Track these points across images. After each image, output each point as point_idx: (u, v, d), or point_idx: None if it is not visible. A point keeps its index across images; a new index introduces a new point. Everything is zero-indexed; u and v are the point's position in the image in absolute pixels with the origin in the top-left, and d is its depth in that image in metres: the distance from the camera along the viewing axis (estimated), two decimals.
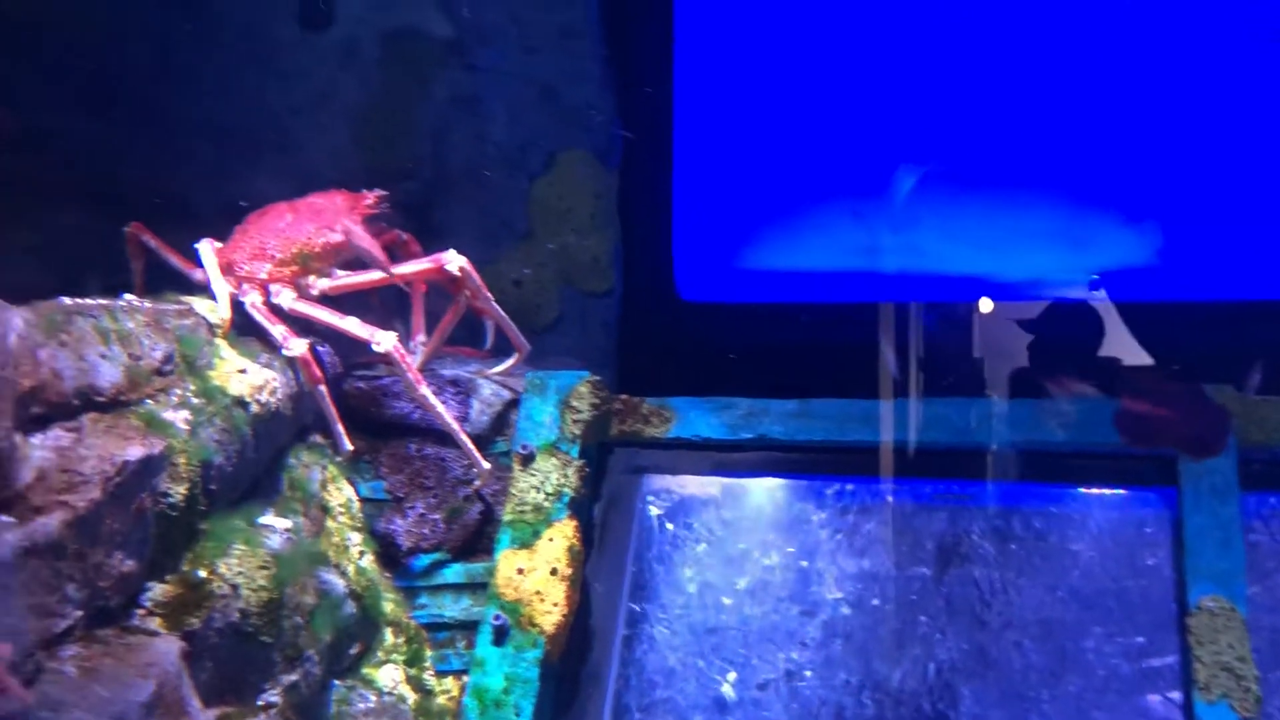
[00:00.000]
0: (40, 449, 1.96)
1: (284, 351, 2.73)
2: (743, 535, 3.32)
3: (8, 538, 1.77)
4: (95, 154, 3.54)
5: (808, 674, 3.10)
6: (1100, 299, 3.87)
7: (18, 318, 1.95)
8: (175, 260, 2.95)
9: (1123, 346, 3.65)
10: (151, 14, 3.55)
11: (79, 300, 2.20)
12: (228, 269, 2.88)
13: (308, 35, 3.63)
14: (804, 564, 3.27)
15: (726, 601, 3.22)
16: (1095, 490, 3.27)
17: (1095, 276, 3.94)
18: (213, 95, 3.58)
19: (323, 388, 2.81)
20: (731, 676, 3.11)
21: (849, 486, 3.37)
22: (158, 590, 2.15)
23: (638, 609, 3.21)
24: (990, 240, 4.11)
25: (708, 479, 3.41)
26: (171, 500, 2.19)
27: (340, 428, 2.87)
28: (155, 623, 2.10)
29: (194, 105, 3.61)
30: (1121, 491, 3.24)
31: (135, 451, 2.08)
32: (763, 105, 4.12)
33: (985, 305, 3.93)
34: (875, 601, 3.20)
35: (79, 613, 1.93)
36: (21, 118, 3.42)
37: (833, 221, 4.36)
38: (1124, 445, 3.22)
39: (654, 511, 3.35)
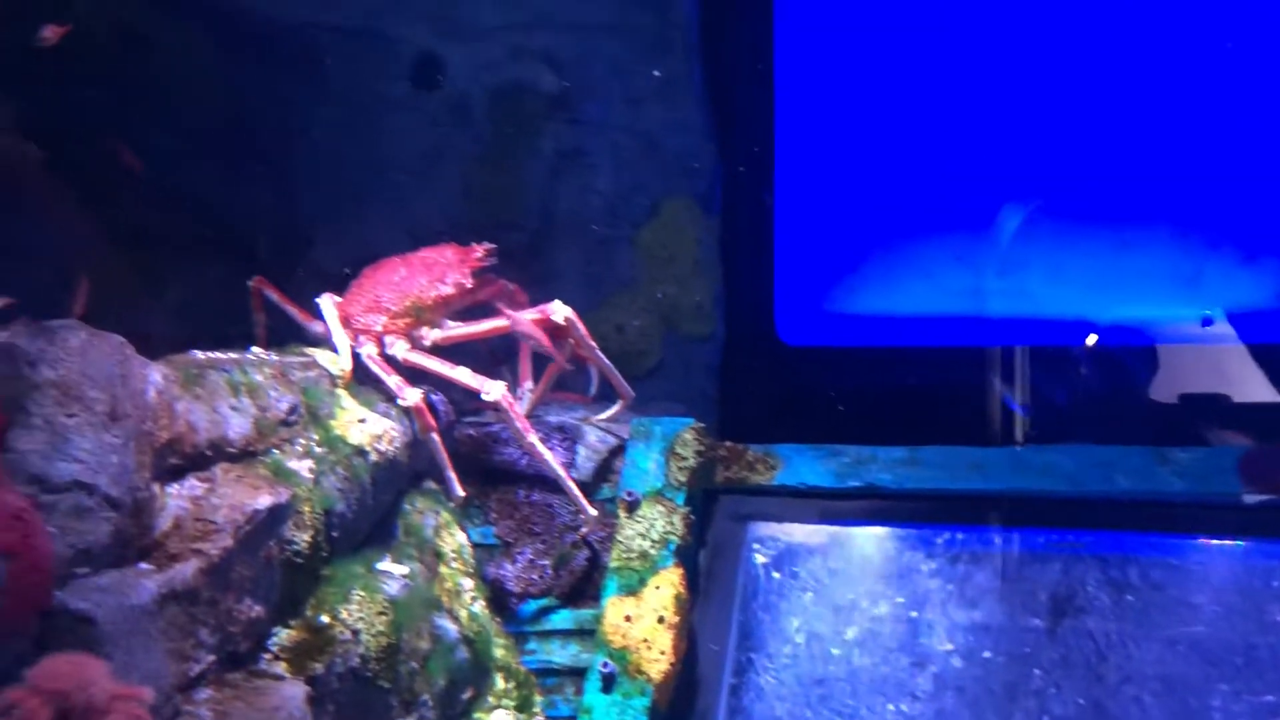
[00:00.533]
0: (176, 498, 2.04)
1: (399, 401, 2.81)
2: (850, 584, 3.28)
3: (148, 585, 1.85)
4: (225, 211, 3.70)
5: None
6: (1217, 338, 3.78)
7: (156, 373, 2.05)
8: (295, 313, 3.06)
9: (1247, 388, 3.55)
10: (276, 79, 3.71)
11: (211, 354, 2.30)
12: (345, 322, 2.97)
13: (419, 94, 3.76)
14: (913, 614, 3.22)
15: (835, 652, 3.19)
16: (1216, 541, 3.17)
17: (1208, 314, 3.84)
18: (331, 154, 3.72)
19: (435, 435, 2.88)
20: None
21: (959, 535, 3.32)
22: (283, 635, 2.22)
23: (744, 658, 3.19)
24: (1099, 281, 4.04)
25: (814, 527, 3.39)
26: (297, 548, 2.26)
27: (452, 474, 2.93)
28: (281, 667, 2.16)
29: (313, 163, 3.75)
30: (1245, 543, 3.13)
31: (264, 500, 2.15)
32: (864, 148, 4.13)
33: (1093, 347, 3.86)
34: (987, 654, 3.14)
35: (211, 657, 2.00)
36: (163, 177, 3.60)
37: (936, 264, 4.33)
38: (1247, 494, 3.12)
39: (760, 559, 3.34)
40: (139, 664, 1.76)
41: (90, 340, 1.91)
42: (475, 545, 3.14)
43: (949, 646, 3.16)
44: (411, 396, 2.81)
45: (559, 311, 3.04)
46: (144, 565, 1.91)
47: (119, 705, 1.63)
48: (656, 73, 3.81)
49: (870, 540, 3.35)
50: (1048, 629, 3.13)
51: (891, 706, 3.09)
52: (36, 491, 1.79)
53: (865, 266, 4.22)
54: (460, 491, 2.93)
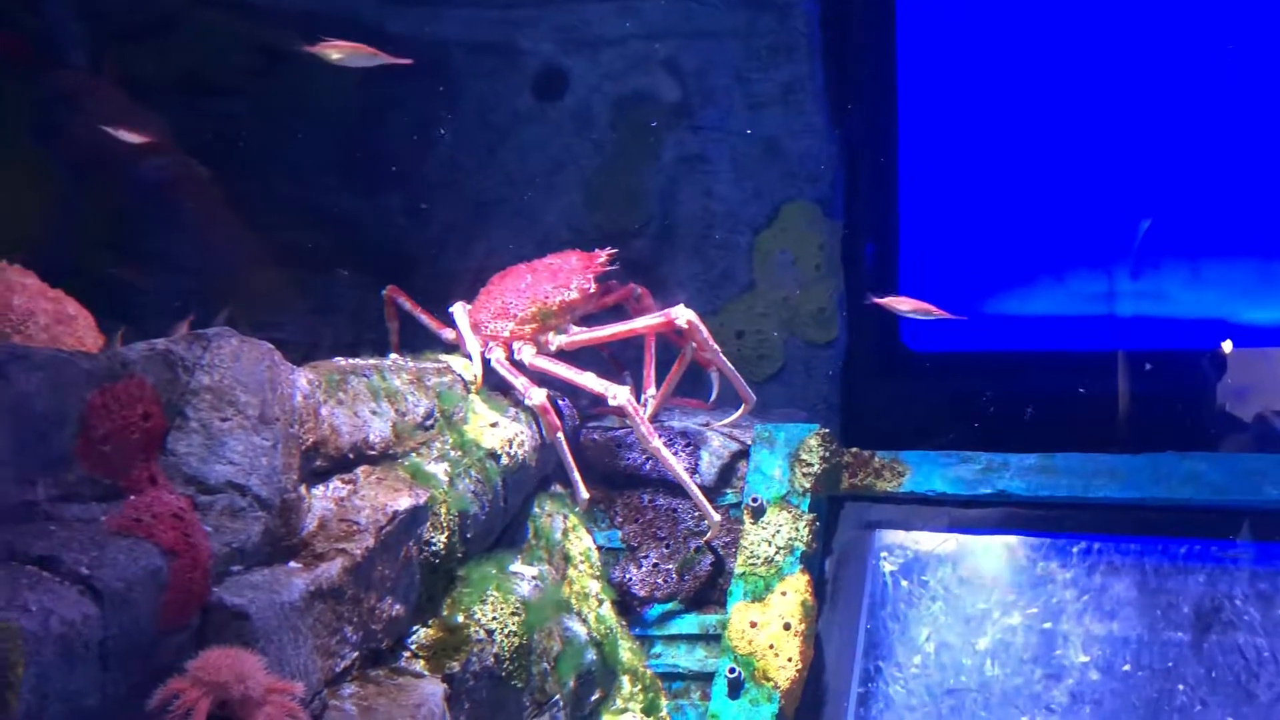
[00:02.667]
0: (321, 499, 2.11)
1: (525, 401, 2.85)
2: (981, 594, 3.21)
3: (297, 582, 1.92)
4: (360, 224, 3.82)
5: None
6: None
7: (302, 378, 2.13)
8: (426, 320, 3.13)
9: None
10: (409, 96, 3.81)
11: (353, 360, 2.37)
12: (474, 328, 3.03)
13: (544, 106, 3.82)
14: (1047, 625, 3.14)
15: (966, 662, 3.12)
16: None
17: None
18: (458, 166, 3.81)
19: (561, 435, 2.91)
20: None
21: (1096, 545, 3.22)
22: (422, 634, 2.27)
23: (872, 667, 3.15)
24: (1237, 284, 3.89)
25: (943, 535, 3.33)
26: (434, 548, 2.31)
27: (578, 476, 2.96)
28: (420, 664, 2.22)
29: (444, 175, 3.85)
30: None
31: (404, 502, 2.21)
32: (992, 148, 4.05)
33: (1229, 351, 3.72)
34: (1126, 667, 3.04)
35: (355, 654, 2.06)
36: (302, 193, 3.73)
37: (1067, 267, 4.22)
38: None
39: (887, 568, 3.30)
40: (289, 659, 1.83)
41: (241, 347, 1.99)
42: (601, 549, 3.17)
43: (1085, 659, 3.07)
44: (537, 396, 2.86)
45: (682, 315, 3.05)
46: (293, 564, 1.98)
47: (273, 698, 1.70)
48: (778, 77, 3.80)
49: (1002, 549, 3.28)
50: (1192, 643, 3.01)
51: (1025, 719, 3.01)
52: (193, 492, 1.87)
53: (992, 269, 4.13)
54: (585, 494, 2.96)
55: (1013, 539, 3.28)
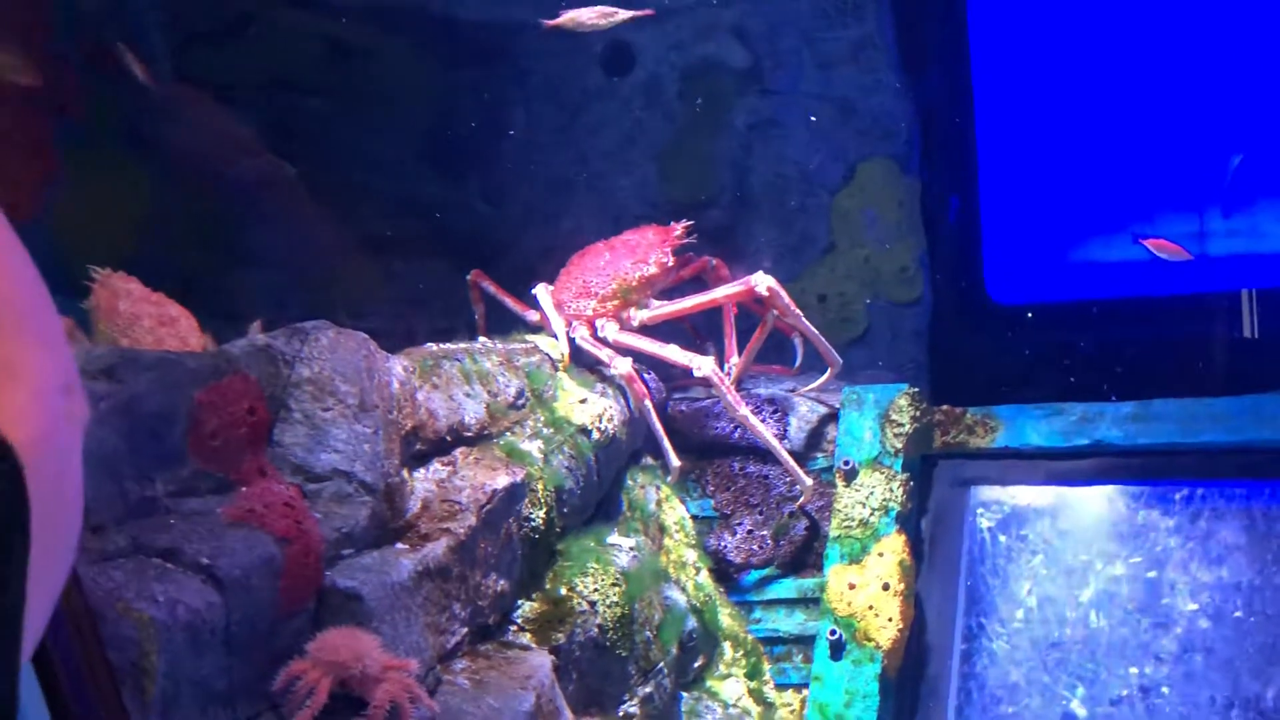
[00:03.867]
0: (423, 482, 2.17)
1: (611, 372, 2.88)
2: (1082, 546, 3.17)
3: (405, 563, 1.98)
4: (441, 211, 3.89)
5: (1165, 690, 2.93)
6: None
7: (398, 365, 2.18)
8: (510, 302, 3.18)
9: None
10: (482, 81, 3.85)
11: (444, 345, 2.42)
12: (557, 308, 3.07)
13: (613, 82, 3.83)
14: (1152, 574, 3.09)
15: (1069, 614, 3.09)
16: None
17: None
18: (532, 148, 3.85)
19: (649, 403, 2.94)
20: (1080, 692, 2.98)
21: (1199, 491, 3.15)
22: (527, 608, 2.32)
23: (974, 624, 3.14)
24: None
25: (1040, 488, 3.29)
26: (533, 524, 2.36)
27: (668, 444, 2.98)
28: (527, 637, 2.27)
29: (517, 159, 3.89)
30: None
31: (502, 480, 2.26)
32: (1071, 91, 3.95)
33: None
34: (1238, 614, 2.98)
35: (465, 630, 2.12)
36: (384, 183, 3.81)
37: (1155, 208, 4.12)
38: None
39: (984, 524, 3.27)
40: (402, 637, 1.89)
41: (338, 338, 2.05)
42: (694, 518, 3.20)
43: (1194, 607, 3.02)
44: (622, 366, 2.88)
45: (762, 282, 3.05)
46: (400, 545, 2.04)
47: (390, 675, 1.76)
48: (848, 36, 3.76)
49: (1101, 500, 3.23)
50: None
51: (1134, 670, 2.98)
52: (301, 481, 1.94)
53: (1077, 216, 4.04)
54: (676, 462, 2.99)
55: (1112, 489, 3.23)
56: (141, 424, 1.75)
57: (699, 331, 3.53)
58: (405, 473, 2.13)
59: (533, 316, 3.13)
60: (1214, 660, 2.94)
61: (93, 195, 2.89)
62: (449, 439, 2.28)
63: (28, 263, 0.97)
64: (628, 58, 3.82)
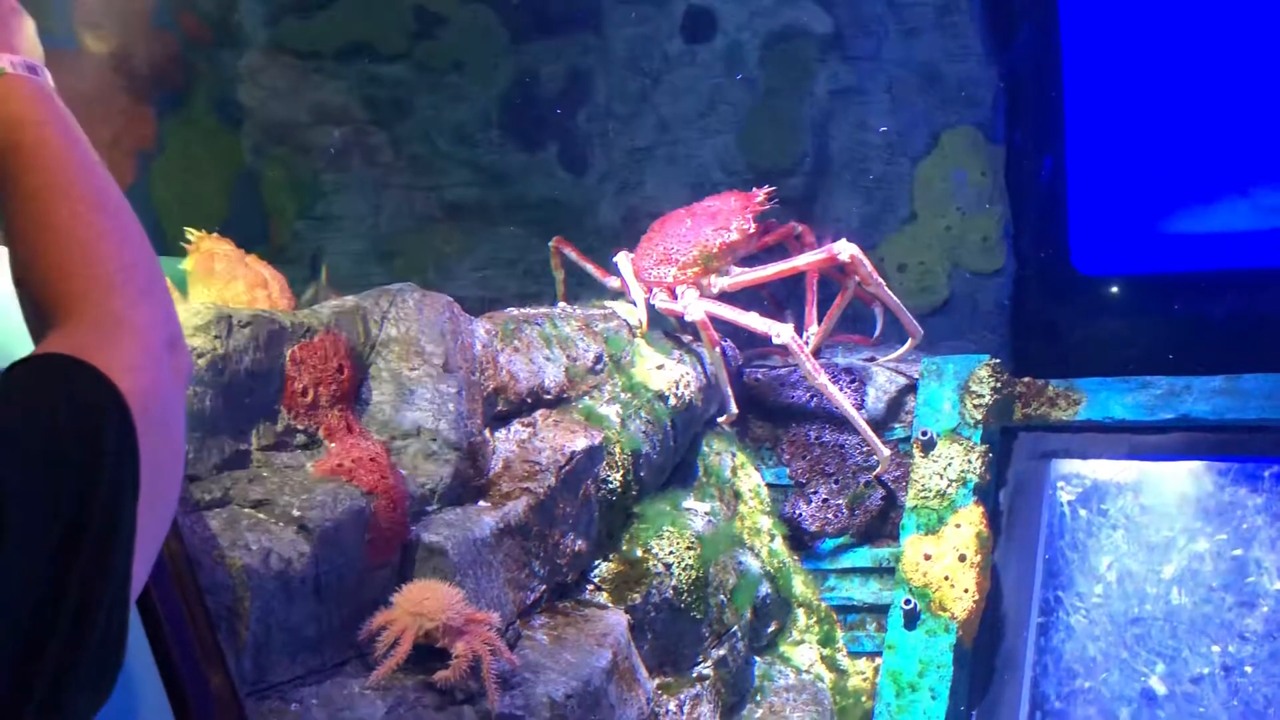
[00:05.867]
0: (504, 442, 2.22)
1: (686, 316, 2.89)
2: (1165, 522, 3.12)
3: (487, 520, 2.03)
4: (522, 179, 3.92)
5: (1248, 669, 2.88)
6: None
7: (481, 328, 2.22)
8: (592, 269, 3.21)
9: None
10: (561, 49, 3.88)
11: (525, 310, 2.46)
12: (637, 275, 3.09)
13: (693, 49, 3.83)
14: (1238, 552, 3.03)
15: (1150, 590, 3.05)
16: None
17: None
18: (613, 115, 3.86)
19: (719, 349, 2.95)
20: (1160, 669, 2.95)
21: None
22: (603, 568, 2.37)
23: (1051, 597, 3.11)
24: None
25: (1123, 463, 3.24)
26: (611, 486, 2.40)
27: (729, 390, 2.98)
28: (603, 597, 2.31)
29: (597, 126, 3.91)
30: None
31: (580, 442, 2.30)
32: (1162, 56, 3.85)
33: None
34: None
35: (543, 586, 2.17)
36: (466, 152, 3.86)
37: (1251, 178, 4.00)
38: None
39: (1065, 497, 3.23)
40: (484, 591, 1.94)
41: (424, 300, 2.10)
42: (770, 486, 3.21)
43: None
44: (695, 311, 2.88)
45: (845, 250, 3.04)
46: (481, 503, 2.09)
47: (473, 627, 1.81)
48: (933, 1, 3.70)
49: (1186, 475, 3.17)
50: None
51: (1217, 648, 2.93)
52: (388, 438, 1.99)
53: (1168, 186, 3.95)
54: (734, 409, 2.99)
55: (1197, 464, 3.17)
56: (237, 380, 1.82)
57: (778, 300, 3.53)
58: (487, 432, 2.18)
59: (613, 283, 3.16)
60: None
61: (189, 161, 2.98)
62: (529, 401, 2.32)
63: (135, 224, 1.02)
64: (709, 24, 3.80)
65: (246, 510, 1.74)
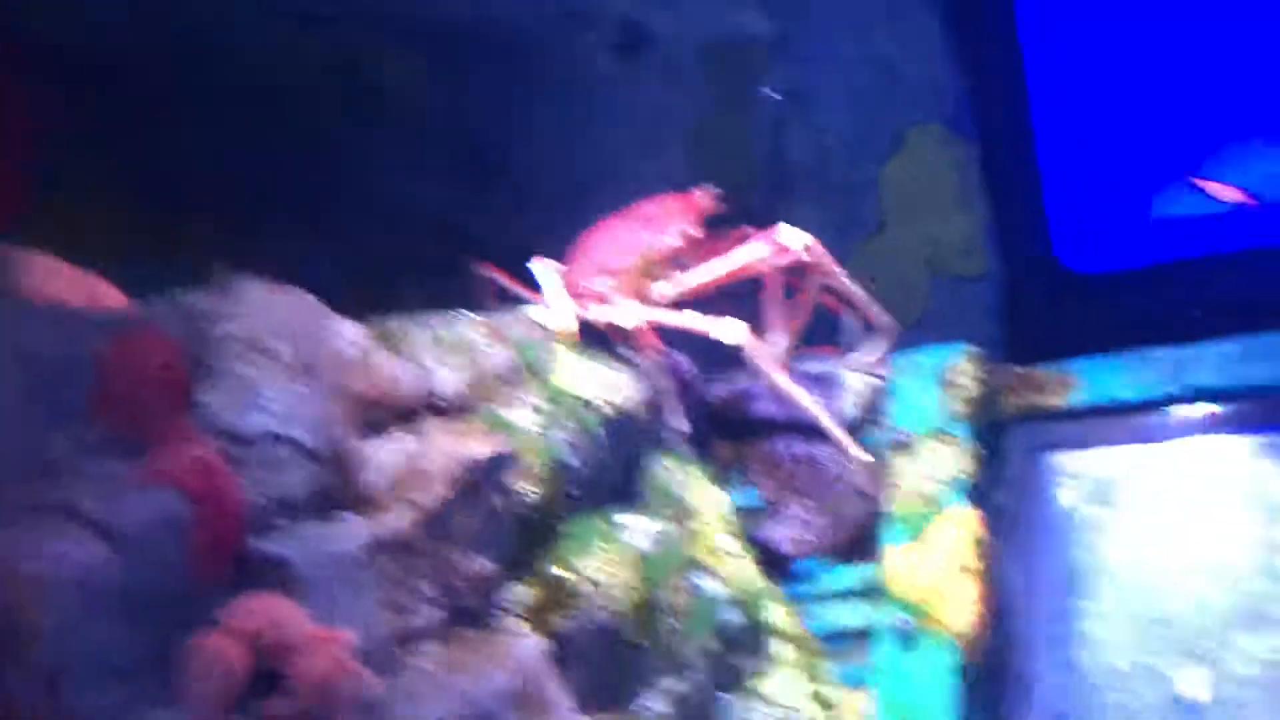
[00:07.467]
0: (385, 453, 1.97)
1: (620, 323, 2.64)
2: (1183, 507, 2.79)
3: (353, 533, 1.77)
4: (459, 224, 3.73)
5: None
6: None
7: (349, 328, 1.99)
8: (523, 293, 2.98)
9: None
10: (490, 83, 3.71)
11: (415, 315, 2.23)
12: (571, 289, 2.86)
13: (628, 66, 3.65)
14: (1268, 533, 2.69)
15: (1173, 586, 2.70)
16: None
17: None
18: (545, 140, 3.68)
19: (664, 358, 2.69)
20: (1196, 673, 2.58)
21: None
22: (520, 591, 2.08)
23: (1064, 604, 2.76)
24: None
25: (1128, 449, 2.92)
26: (526, 500, 2.13)
27: (677, 404, 2.71)
28: (520, 624, 2.02)
29: (536, 157, 3.72)
30: None
31: (481, 450, 2.04)
32: (1137, 29, 3.63)
33: None
34: None
35: (437, 612, 1.89)
36: (400, 201, 3.69)
37: (1246, 152, 3.74)
38: None
39: (1068, 492, 2.91)
40: (345, 611, 1.67)
41: (272, 295, 1.87)
42: (740, 509, 2.91)
43: None
44: (630, 317, 2.63)
45: (789, 235, 2.78)
46: (350, 516, 1.83)
47: (318, 646, 1.53)
48: None
49: (1202, 454, 2.84)
50: None
51: (1259, 644, 2.56)
52: (228, 444, 1.74)
53: (1153, 168, 3.68)
54: (685, 425, 2.72)
55: (1214, 440, 2.84)
56: (40, 380, 1.59)
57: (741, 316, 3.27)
58: (361, 442, 1.93)
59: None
60: None
61: None
62: (419, 409, 2.07)
63: None
64: (642, 38, 3.63)
65: (46, 517, 1.49)
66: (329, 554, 1.69)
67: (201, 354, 1.79)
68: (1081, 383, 2.99)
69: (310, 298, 1.94)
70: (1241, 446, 2.81)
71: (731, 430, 3.04)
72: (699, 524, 2.62)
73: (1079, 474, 2.92)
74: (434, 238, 3.66)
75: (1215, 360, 2.87)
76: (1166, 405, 2.88)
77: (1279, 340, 2.83)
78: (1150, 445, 2.88)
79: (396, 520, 1.84)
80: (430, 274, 3.52)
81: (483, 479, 2.03)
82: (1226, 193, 2.95)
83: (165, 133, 3.36)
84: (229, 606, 1.54)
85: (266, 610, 1.52)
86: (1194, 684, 2.57)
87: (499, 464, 2.08)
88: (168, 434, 1.67)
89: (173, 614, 1.53)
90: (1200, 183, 2.93)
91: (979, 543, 2.69)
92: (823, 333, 3.20)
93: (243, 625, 1.50)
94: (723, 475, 2.96)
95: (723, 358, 2.93)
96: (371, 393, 1.98)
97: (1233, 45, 3.59)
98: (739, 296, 2.97)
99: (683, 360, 2.99)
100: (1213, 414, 2.87)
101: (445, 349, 2.19)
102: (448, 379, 2.16)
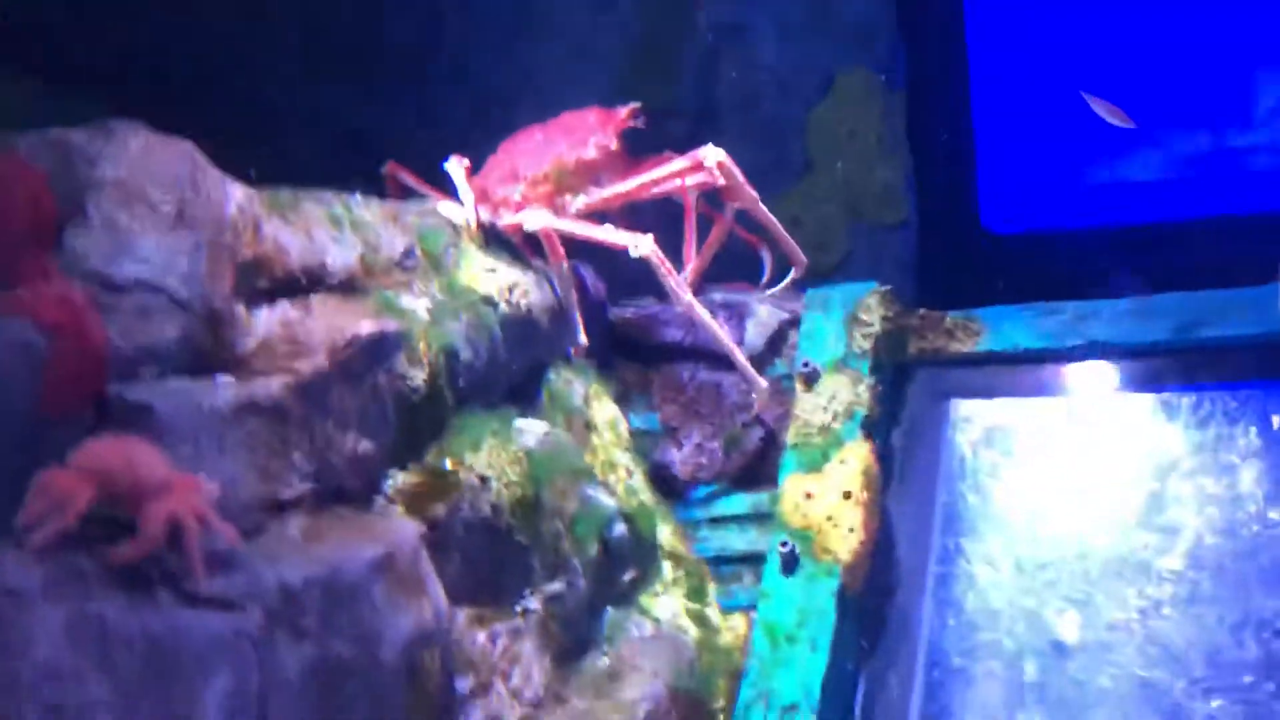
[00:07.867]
0: (266, 321, 1.90)
1: (525, 226, 2.58)
2: (1075, 458, 2.82)
3: (223, 392, 1.70)
4: (375, 134, 3.62)
5: (1167, 611, 2.56)
6: None
7: (238, 190, 1.91)
8: (433, 195, 2.90)
9: None
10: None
11: (310, 190, 2.15)
12: (483, 195, 2.79)
13: None
14: (1155, 487, 2.73)
15: (1060, 533, 2.73)
16: None
17: None
18: (471, 56, 3.58)
19: (567, 265, 2.64)
20: (1071, 616, 2.62)
21: (1207, 395, 2.79)
22: (400, 478, 2.03)
23: (952, 544, 2.78)
24: None
25: (1028, 400, 2.94)
26: (412, 384, 2.07)
27: (577, 316, 2.67)
28: (397, 509, 1.97)
29: (455, 73, 3.62)
30: None
31: (366, 327, 1.98)
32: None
33: None
34: (1254, 527, 2.61)
35: (308, 485, 1.83)
36: (303, 104, 3.56)
37: (1164, 126, 3.80)
38: None
39: (966, 436, 2.92)
40: (210, 467, 1.60)
41: (155, 143, 1.78)
42: (641, 432, 2.89)
43: (1200, 522, 2.65)
44: (536, 221, 2.58)
45: (710, 155, 2.75)
46: (223, 377, 1.75)
47: (174, 490, 1.47)
48: None
49: (1098, 406, 2.87)
50: None
51: (1133, 590, 2.61)
52: (97, 290, 1.66)
53: (1086, 133, 3.71)
54: (584, 339, 2.68)
55: (1110, 394, 2.87)
56: None
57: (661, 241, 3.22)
58: (241, 307, 1.85)
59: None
60: (1224, 579, 2.57)
61: None
62: (304, 281, 2.00)
63: None
64: None
65: None
66: (196, 406, 1.62)
67: (74, 194, 1.69)
68: (986, 329, 3.00)
69: (198, 152, 1.85)
70: (1137, 404, 2.85)
71: (638, 353, 3.01)
72: (596, 439, 2.59)
73: (976, 419, 2.94)
74: (339, 144, 3.56)
75: (1115, 315, 2.90)
76: (1068, 356, 2.91)
77: (1173, 300, 2.86)
78: (1048, 398, 2.91)
79: (270, 384, 1.77)
80: (335, 183, 3.42)
81: (366, 356, 1.96)
82: (1112, 113, 2.99)
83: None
84: (82, 446, 1.46)
85: (121, 450, 1.45)
86: (1067, 627, 2.61)
87: (385, 343, 2.02)
88: (31, 273, 1.58)
89: (22, 452, 1.45)
90: (1088, 98, 2.96)
91: (870, 476, 2.69)
92: (741, 271, 3.18)
93: (91, 462, 1.43)
94: (626, 397, 2.93)
95: (633, 280, 2.89)
96: (256, 257, 1.91)
97: (1170, 28, 3.63)
98: (657, 229, 2.94)
99: (588, 274, 2.94)
100: (1109, 370, 2.90)
101: (340, 226, 2.11)
102: (339, 255, 2.09)
